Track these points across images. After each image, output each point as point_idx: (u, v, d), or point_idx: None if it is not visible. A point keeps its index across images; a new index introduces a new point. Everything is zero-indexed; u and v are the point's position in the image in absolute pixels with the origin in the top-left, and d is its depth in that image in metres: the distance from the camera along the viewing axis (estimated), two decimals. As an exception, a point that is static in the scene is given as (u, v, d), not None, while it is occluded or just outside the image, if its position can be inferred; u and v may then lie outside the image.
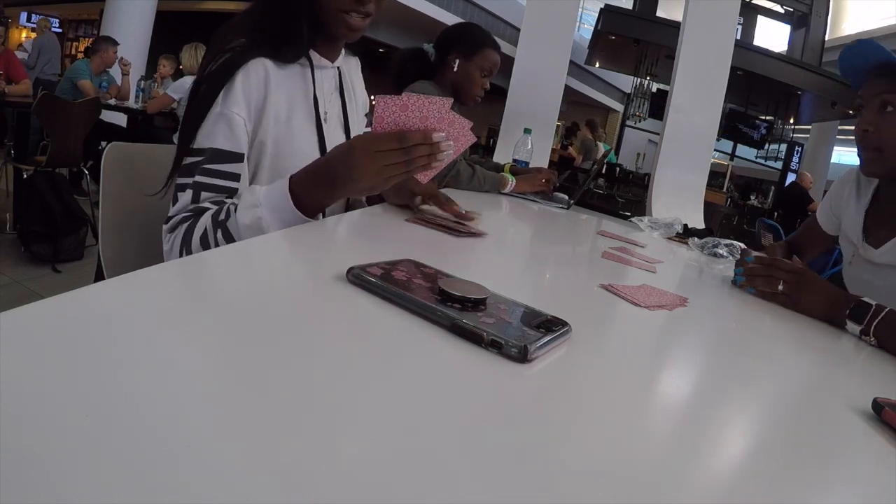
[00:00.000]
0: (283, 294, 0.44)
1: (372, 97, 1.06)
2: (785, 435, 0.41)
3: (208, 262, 0.48)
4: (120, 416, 0.23)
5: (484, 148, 6.49)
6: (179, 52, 4.14)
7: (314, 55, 0.88)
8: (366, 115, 1.11)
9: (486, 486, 0.24)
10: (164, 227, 0.78)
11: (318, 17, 0.85)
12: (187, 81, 3.81)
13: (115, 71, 4.28)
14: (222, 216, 0.74)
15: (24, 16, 12.49)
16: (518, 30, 3.09)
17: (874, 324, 0.75)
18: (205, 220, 0.75)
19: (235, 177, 0.79)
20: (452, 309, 0.42)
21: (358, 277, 0.45)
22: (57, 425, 0.22)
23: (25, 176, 2.66)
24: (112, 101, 4.04)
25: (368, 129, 1.10)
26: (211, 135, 0.78)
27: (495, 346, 0.38)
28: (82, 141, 3.00)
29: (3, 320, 0.28)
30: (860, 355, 0.71)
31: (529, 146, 1.83)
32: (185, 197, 0.77)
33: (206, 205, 0.78)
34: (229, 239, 0.72)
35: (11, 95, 3.52)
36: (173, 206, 0.78)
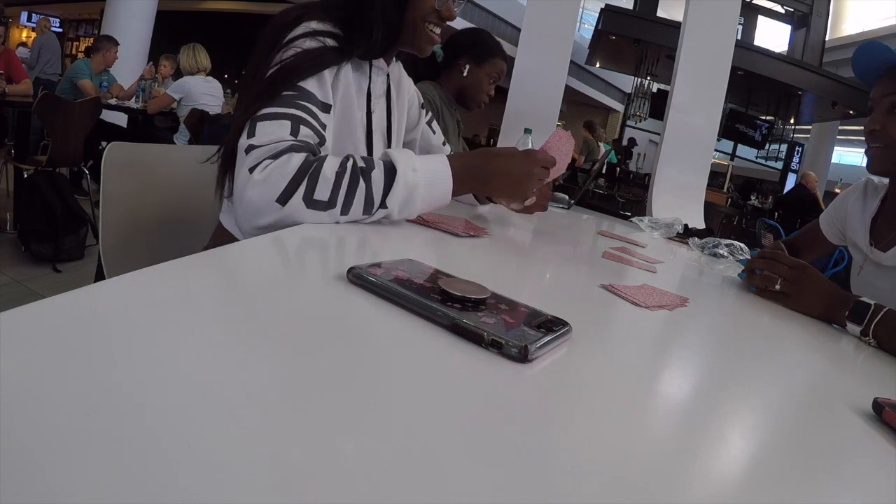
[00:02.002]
0: (284, 294, 0.44)
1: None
2: (785, 435, 0.41)
3: (209, 262, 0.48)
4: (120, 416, 0.23)
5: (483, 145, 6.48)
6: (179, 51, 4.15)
7: (375, 59, 0.89)
8: (421, 105, 1.12)
9: (486, 487, 0.24)
10: (255, 150, 0.67)
11: (399, 27, 0.85)
12: (188, 82, 3.81)
13: (116, 70, 4.28)
14: (362, 164, 0.69)
15: (24, 15, 12.50)
16: (519, 30, 3.09)
17: (873, 324, 0.75)
18: (334, 162, 0.68)
19: (324, 127, 0.75)
20: (453, 309, 0.42)
21: (358, 277, 0.45)
22: (57, 425, 0.22)
23: (26, 175, 2.66)
24: (112, 101, 4.04)
25: (423, 120, 1.13)
26: (303, 78, 0.75)
27: (496, 346, 0.38)
28: (83, 140, 3.00)
29: (3, 320, 0.28)
30: (860, 355, 0.71)
31: (530, 146, 1.83)
32: (280, 127, 0.69)
33: (312, 144, 0.71)
34: (368, 193, 0.68)
35: (12, 95, 3.52)
36: (253, 137, 0.68)
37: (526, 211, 1.13)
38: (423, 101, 1.14)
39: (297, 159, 0.66)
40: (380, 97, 0.93)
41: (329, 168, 0.66)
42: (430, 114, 1.16)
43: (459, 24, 0.92)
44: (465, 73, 1.69)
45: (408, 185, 0.70)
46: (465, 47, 1.72)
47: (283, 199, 0.64)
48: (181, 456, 0.21)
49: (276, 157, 0.66)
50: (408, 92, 1.07)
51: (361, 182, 0.68)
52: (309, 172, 0.65)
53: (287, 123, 0.70)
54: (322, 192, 0.65)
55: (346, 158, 0.69)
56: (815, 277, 0.88)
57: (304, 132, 0.71)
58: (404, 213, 0.72)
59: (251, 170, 0.65)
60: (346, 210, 0.67)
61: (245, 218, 0.67)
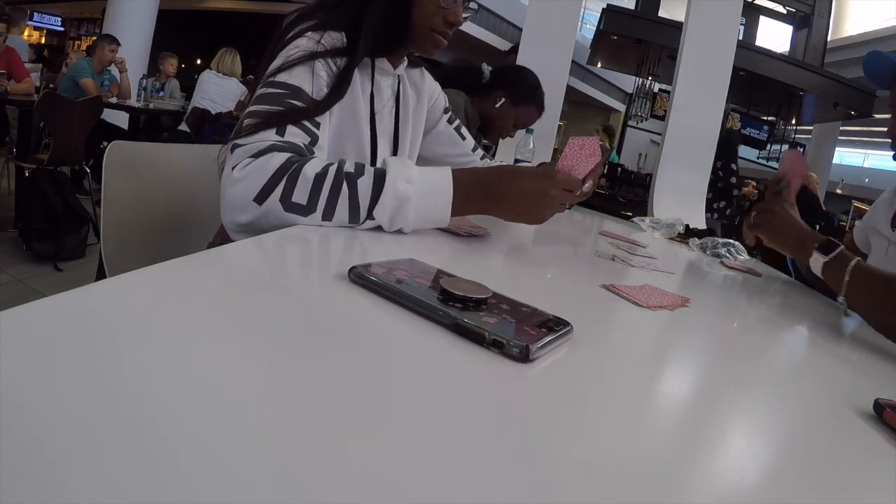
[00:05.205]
0: (285, 293, 0.44)
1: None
2: (786, 436, 0.41)
3: (210, 261, 0.48)
4: (121, 415, 0.23)
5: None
6: (182, 51, 4.19)
7: (378, 59, 0.88)
8: (445, 109, 1.11)
9: (486, 487, 0.24)
10: (239, 149, 0.66)
11: (405, 29, 0.84)
12: (203, 73, 3.90)
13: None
14: (350, 170, 0.65)
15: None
16: (520, 29, 3.09)
17: (846, 280, 0.78)
18: (317, 165, 0.65)
19: (317, 125, 0.73)
20: (454, 308, 0.42)
21: (360, 277, 0.45)
22: (58, 424, 0.22)
23: (27, 174, 2.66)
24: (113, 100, 4.04)
25: (445, 126, 1.12)
26: (295, 75, 0.73)
27: (497, 346, 0.38)
28: (84, 139, 3.01)
29: (4, 319, 0.28)
30: (861, 356, 0.71)
31: (531, 146, 1.83)
32: (266, 126, 0.68)
33: (300, 144, 0.69)
34: (353, 201, 0.64)
35: (14, 94, 3.52)
36: (243, 135, 0.67)
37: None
38: (448, 105, 1.12)
39: (279, 159, 0.64)
40: (387, 100, 0.92)
41: (310, 170, 0.63)
42: (458, 120, 1.14)
43: (464, 25, 0.91)
44: (497, 105, 1.70)
45: (397, 196, 0.65)
46: (509, 81, 1.72)
47: (261, 198, 0.63)
48: (183, 455, 0.21)
49: (257, 155, 0.64)
50: (430, 98, 1.05)
51: (345, 188, 0.64)
52: (288, 173, 0.63)
53: (273, 122, 0.68)
54: (300, 195, 0.63)
55: (333, 162, 0.66)
56: (785, 214, 0.95)
57: (292, 131, 0.69)
58: (396, 225, 0.67)
59: (234, 167, 0.65)
60: (328, 216, 0.64)
61: (226, 214, 0.66)
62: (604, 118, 13.51)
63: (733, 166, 4.27)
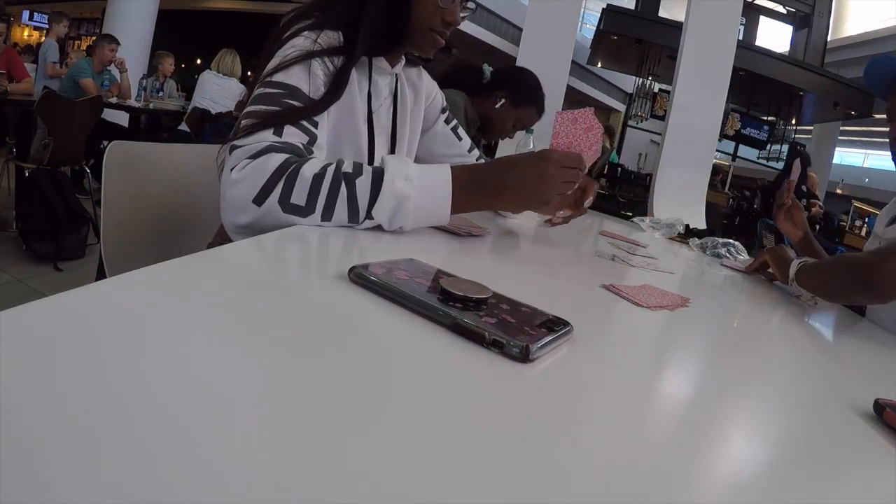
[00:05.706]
0: (285, 293, 0.44)
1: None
2: (786, 436, 0.41)
3: (209, 261, 0.48)
4: (122, 415, 0.23)
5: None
6: (182, 51, 4.20)
7: (376, 58, 0.88)
8: (443, 109, 1.11)
9: (487, 487, 0.24)
10: (237, 150, 0.66)
11: (405, 29, 0.84)
12: (204, 74, 3.90)
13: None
14: (348, 170, 0.65)
15: (26, 14, 12.50)
16: (520, 29, 3.09)
17: (796, 273, 0.95)
18: (315, 165, 0.65)
19: (315, 125, 0.73)
20: (454, 308, 0.42)
21: (360, 277, 0.45)
22: (58, 424, 0.22)
23: (27, 174, 2.66)
24: (114, 100, 4.04)
25: (442, 126, 1.11)
26: (292, 75, 0.73)
27: (497, 346, 0.38)
28: (84, 139, 3.00)
29: (4, 319, 0.28)
30: (861, 356, 0.71)
31: (531, 146, 1.83)
32: (264, 127, 0.68)
33: (297, 145, 0.68)
34: (351, 201, 0.64)
35: (14, 94, 3.52)
36: (241, 136, 0.67)
37: (562, 222, 0.99)
38: (446, 104, 1.12)
39: (276, 160, 0.64)
40: (384, 98, 0.92)
41: (308, 171, 0.63)
42: (455, 120, 1.15)
43: (464, 25, 0.90)
44: (497, 106, 1.70)
45: (396, 195, 0.65)
46: (509, 82, 1.72)
47: (260, 199, 0.63)
48: (183, 455, 0.21)
49: (255, 156, 0.64)
50: (428, 97, 1.05)
51: (344, 188, 0.64)
52: (286, 174, 0.63)
53: (271, 122, 0.68)
54: (299, 197, 0.63)
55: (332, 163, 0.66)
56: (775, 251, 1.14)
57: (290, 131, 0.69)
58: (395, 224, 0.67)
59: (232, 169, 0.65)
60: (327, 216, 0.64)
61: (226, 215, 0.66)
62: (604, 118, 13.50)
63: (804, 189, 4.25)
